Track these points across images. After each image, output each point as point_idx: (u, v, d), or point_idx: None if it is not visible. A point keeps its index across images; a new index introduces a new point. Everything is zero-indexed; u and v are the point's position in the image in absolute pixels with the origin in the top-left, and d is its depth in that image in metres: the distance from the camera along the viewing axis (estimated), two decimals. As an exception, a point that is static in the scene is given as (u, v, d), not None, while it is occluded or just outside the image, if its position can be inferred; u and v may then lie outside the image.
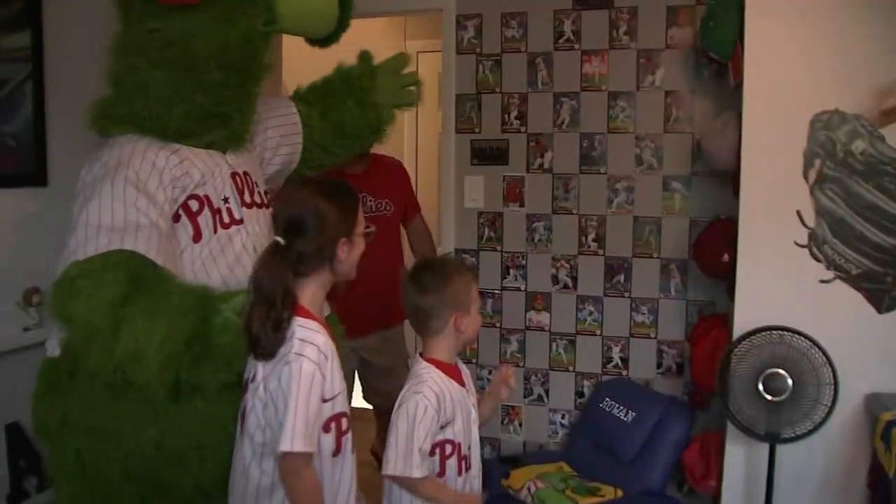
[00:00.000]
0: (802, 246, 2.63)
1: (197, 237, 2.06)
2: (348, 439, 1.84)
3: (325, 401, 1.74)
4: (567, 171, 3.47)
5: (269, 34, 2.23)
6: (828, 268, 2.61)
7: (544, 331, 3.55)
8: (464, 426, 2.08)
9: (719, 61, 3.03)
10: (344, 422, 1.82)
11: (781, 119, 2.61)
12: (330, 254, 1.82)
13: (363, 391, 3.71)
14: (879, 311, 2.58)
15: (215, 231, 2.10)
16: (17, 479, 2.63)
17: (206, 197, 2.11)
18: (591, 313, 3.49)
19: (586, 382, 3.51)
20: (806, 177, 2.61)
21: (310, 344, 1.72)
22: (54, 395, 2.01)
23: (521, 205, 3.55)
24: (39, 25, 2.69)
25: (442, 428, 2.02)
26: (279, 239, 1.79)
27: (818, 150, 2.58)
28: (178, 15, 2.04)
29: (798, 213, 2.62)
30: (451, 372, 2.11)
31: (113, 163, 2.00)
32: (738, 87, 2.74)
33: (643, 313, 3.42)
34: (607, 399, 3.28)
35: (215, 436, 1.96)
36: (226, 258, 2.11)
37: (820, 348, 2.46)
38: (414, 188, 3.82)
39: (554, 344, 3.55)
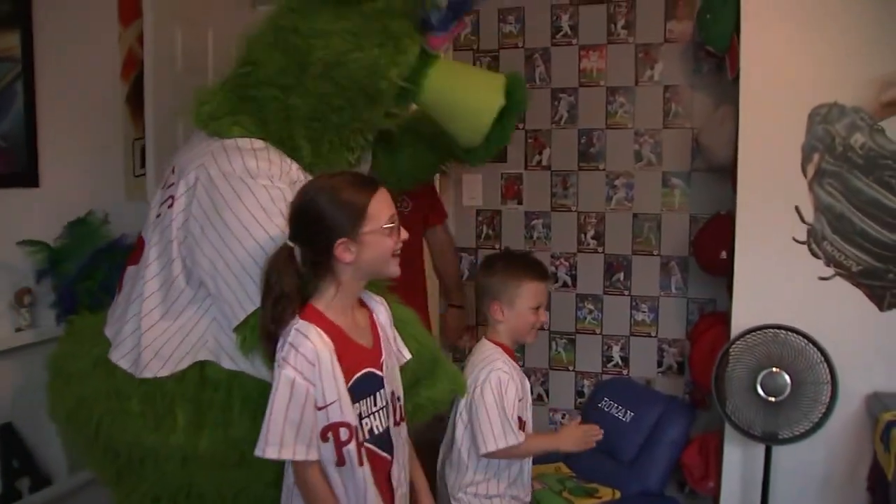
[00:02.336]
0: (801, 242, 2.57)
1: None
2: (351, 451, 1.71)
3: (319, 408, 1.67)
4: (565, 168, 3.43)
5: (405, 96, 2.20)
6: (827, 264, 2.55)
7: (544, 329, 3.51)
8: (524, 405, 2.25)
9: (717, 55, 2.99)
10: (343, 432, 1.70)
11: (779, 112, 2.56)
12: (327, 258, 1.71)
13: None
14: (881, 308, 2.52)
15: None
16: (10, 480, 2.63)
17: None
18: (590, 311, 3.45)
19: (586, 382, 3.47)
20: (804, 171, 2.55)
21: (295, 350, 1.65)
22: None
23: (520, 202, 3.51)
24: (29, 25, 2.68)
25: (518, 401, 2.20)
26: (289, 242, 1.73)
27: (817, 144, 2.53)
28: (318, 7, 2.05)
29: (797, 208, 2.56)
30: (511, 355, 2.30)
31: (264, 168, 1.99)
32: (736, 80, 2.69)
33: (643, 311, 3.38)
34: (606, 399, 3.24)
35: None
36: None
37: (816, 345, 2.41)
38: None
39: (553, 343, 3.51)
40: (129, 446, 2.01)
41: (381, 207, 1.74)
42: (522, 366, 3.50)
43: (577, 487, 2.98)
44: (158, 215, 2.13)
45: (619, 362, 3.42)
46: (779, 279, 2.59)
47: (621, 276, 3.39)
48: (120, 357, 2.05)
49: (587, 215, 3.42)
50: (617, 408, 3.17)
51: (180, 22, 2.96)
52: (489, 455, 2.16)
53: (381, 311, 1.89)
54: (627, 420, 3.11)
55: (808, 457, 2.56)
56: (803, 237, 2.57)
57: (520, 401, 2.20)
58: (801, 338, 2.42)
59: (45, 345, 2.67)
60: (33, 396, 2.65)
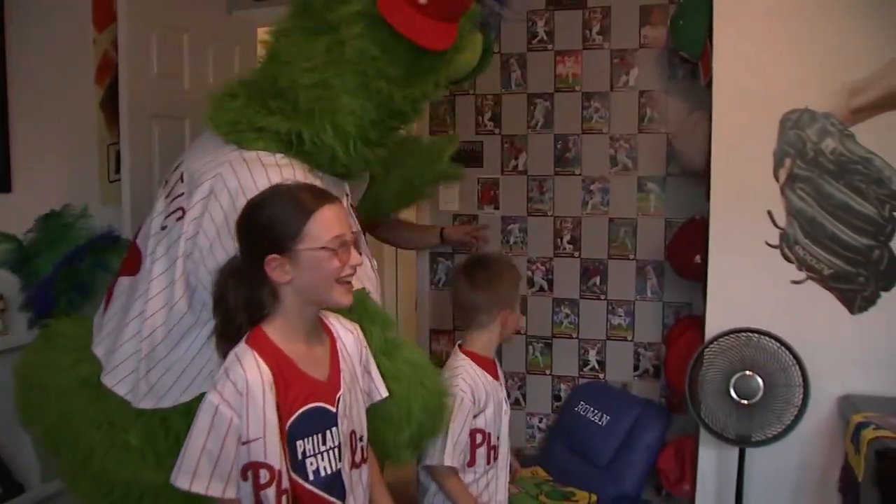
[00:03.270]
0: (774, 246, 2.59)
1: None
2: (269, 496, 1.53)
3: (243, 443, 1.52)
4: (542, 173, 3.45)
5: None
6: (799, 268, 2.57)
7: (520, 334, 3.51)
8: (494, 417, 2.20)
9: (691, 60, 3.01)
10: (263, 474, 1.53)
11: (751, 118, 2.58)
12: (261, 275, 1.55)
13: None
14: (852, 311, 2.54)
15: None
16: (-19, 489, 2.60)
17: None
18: (567, 316, 3.46)
19: (563, 386, 3.48)
20: (776, 176, 2.58)
21: (224, 377, 1.52)
22: None
23: (496, 207, 3.52)
24: (2, 28, 2.66)
25: (474, 417, 2.13)
26: (238, 253, 1.62)
27: (788, 150, 2.55)
28: (401, 51, 1.95)
29: (769, 213, 2.59)
30: (487, 364, 2.23)
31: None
32: (709, 86, 2.71)
33: (619, 315, 3.39)
34: (582, 403, 3.25)
35: None
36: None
37: (788, 349, 2.43)
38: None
39: (530, 347, 3.52)
40: (127, 482, 1.93)
41: (325, 224, 1.55)
42: (500, 370, 3.53)
43: (553, 491, 2.99)
44: (164, 227, 2.01)
45: (596, 366, 3.43)
46: (752, 283, 2.61)
47: (597, 280, 3.41)
48: (115, 382, 1.94)
49: (563, 220, 3.44)
50: (593, 412, 3.18)
51: (155, 26, 2.95)
52: (423, 468, 2.12)
53: (350, 341, 1.72)
54: (603, 424, 3.13)
55: (782, 459, 2.58)
56: (776, 241, 2.59)
57: (475, 416, 2.13)
58: (773, 341, 2.44)
59: (17, 352, 2.65)
60: (4, 405, 2.62)
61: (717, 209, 2.64)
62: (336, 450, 1.61)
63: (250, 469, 1.52)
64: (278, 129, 1.96)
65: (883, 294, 2.51)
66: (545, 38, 3.40)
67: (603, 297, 3.41)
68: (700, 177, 2.99)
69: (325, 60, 1.95)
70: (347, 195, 2.20)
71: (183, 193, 2.00)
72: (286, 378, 1.55)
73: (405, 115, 2.12)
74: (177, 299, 1.91)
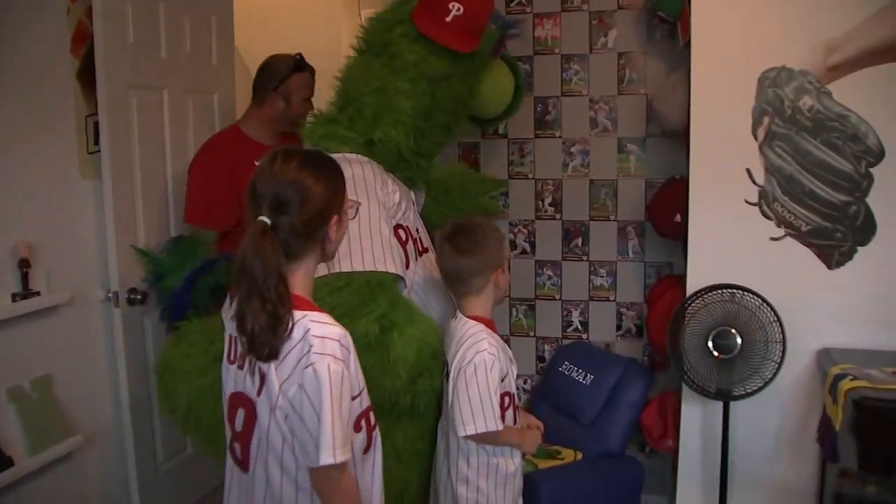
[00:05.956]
0: (753, 204, 2.63)
1: (406, 263, 2.32)
2: (377, 434, 1.71)
3: (353, 398, 1.59)
4: (522, 136, 3.45)
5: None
6: (778, 225, 2.61)
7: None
8: (512, 377, 2.24)
9: (669, 21, 3.02)
10: (372, 416, 1.69)
11: (730, 77, 2.61)
12: (322, 234, 1.65)
13: None
14: (829, 267, 2.59)
15: (417, 258, 2.40)
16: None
17: (408, 227, 2.41)
18: (549, 278, 3.49)
19: (547, 347, 3.53)
20: (755, 134, 2.60)
21: (330, 339, 1.54)
22: None
23: (477, 170, 3.52)
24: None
25: (501, 380, 2.15)
26: (265, 218, 1.58)
27: (766, 108, 2.58)
28: (437, 56, 2.42)
29: (748, 171, 2.62)
30: (491, 326, 2.24)
31: (359, 180, 2.30)
32: (688, 46, 2.72)
33: (601, 276, 3.43)
34: (566, 363, 3.29)
35: None
36: (427, 283, 2.39)
37: (769, 305, 2.48)
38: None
39: (514, 309, 3.55)
40: None
41: (346, 188, 1.73)
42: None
43: (539, 450, 3.02)
44: None
45: (579, 327, 3.48)
46: (732, 240, 2.65)
47: (579, 241, 3.44)
48: None
49: (544, 182, 3.45)
50: (577, 371, 3.23)
51: (130, -6, 2.91)
52: (467, 437, 2.13)
53: None
54: (587, 383, 3.17)
55: (763, 412, 2.64)
56: (755, 199, 2.62)
57: (503, 379, 2.16)
58: (755, 297, 2.49)
59: (5, 323, 2.65)
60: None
61: (696, 168, 2.67)
62: None
63: (363, 417, 1.66)
64: (355, 138, 2.41)
65: (859, 249, 2.57)
66: (524, 1, 3.38)
67: (585, 258, 3.44)
68: (679, 137, 3.01)
69: (381, 73, 2.43)
70: (414, 204, 2.57)
71: None
72: None
73: (448, 115, 2.57)
74: None
